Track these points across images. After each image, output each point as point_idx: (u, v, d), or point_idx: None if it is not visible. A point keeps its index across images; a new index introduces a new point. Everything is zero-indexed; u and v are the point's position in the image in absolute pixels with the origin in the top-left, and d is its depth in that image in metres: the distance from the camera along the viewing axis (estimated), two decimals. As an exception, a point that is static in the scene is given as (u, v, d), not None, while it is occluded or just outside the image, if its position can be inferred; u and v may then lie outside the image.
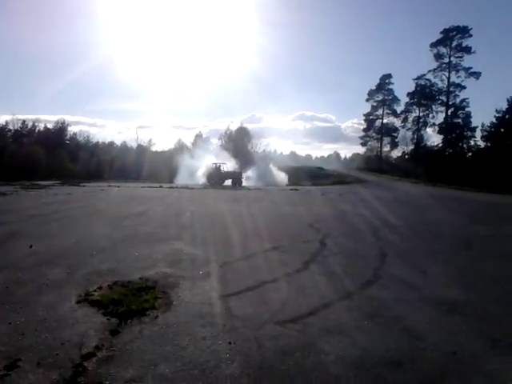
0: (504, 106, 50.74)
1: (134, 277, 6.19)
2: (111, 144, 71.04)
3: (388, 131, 74.41)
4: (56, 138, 59.51)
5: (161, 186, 28.40)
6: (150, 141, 69.68)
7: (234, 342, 4.07)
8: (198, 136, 74.36)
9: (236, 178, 37.58)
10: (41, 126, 63.23)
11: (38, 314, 4.61)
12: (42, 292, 5.41)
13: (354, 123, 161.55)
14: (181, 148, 66.30)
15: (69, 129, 64.79)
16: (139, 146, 66.47)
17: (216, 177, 36.66)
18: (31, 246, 7.97)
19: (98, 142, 67.88)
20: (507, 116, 50.27)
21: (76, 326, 4.34)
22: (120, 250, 8.10)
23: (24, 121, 61.23)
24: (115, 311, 4.73)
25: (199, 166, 42.95)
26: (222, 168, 38.35)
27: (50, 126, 63.69)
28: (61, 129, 62.89)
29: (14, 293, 5.36)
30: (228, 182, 36.95)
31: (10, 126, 59.29)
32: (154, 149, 69.56)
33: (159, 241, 9.04)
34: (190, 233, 10.14)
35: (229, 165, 40.72)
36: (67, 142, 62.95)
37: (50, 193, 20.61)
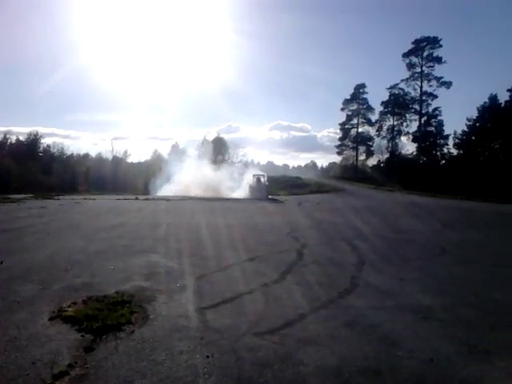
0: (474, 114, 52.50)
1: (110, 291, 6.07)
2: (86, 156, 69.67)
3: (363, 140, 75.89)
4: (28, 150, 58.12)
5: (137, 198, 28.06)
6: (126, 152, 68.81)
7: (212, 355, 4.01)
8: (175, 147, 74.12)
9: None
10: (13, 138, 61.81)
11: (8, 333, 4.45)
12: (12, 310, 5.23)
13: (330, 132, 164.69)
14: (157, 159, 65.83)
15: (42, 141, 63.40)
16: (114, 157, 65.48)
17: (258, 189, 34.63)
18: (2, 262, 7.72)
19: (72, 154, 66.44)
20: (478, 124, 51.96)
21: (48, 344, 4.20)
22: (95, 263, 7.93)
23: (-5, 133, 59.87)
24: (90, 327, 4.61)
25: (176, 176, 42.45)
26: (262, 180, 36.25)
27: (22, 138, 62.48)
28: (33, 141, 61.49)
29: (-17, 311, 5.18)
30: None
31: (-19, 139, 57.88)
32: (129, 160, 68.83)
33: (135, 253, 8.91)
34: (166, 245, 10.02)
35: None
36: (40, 154, 61.50)
37: (22, 207, 20.08)
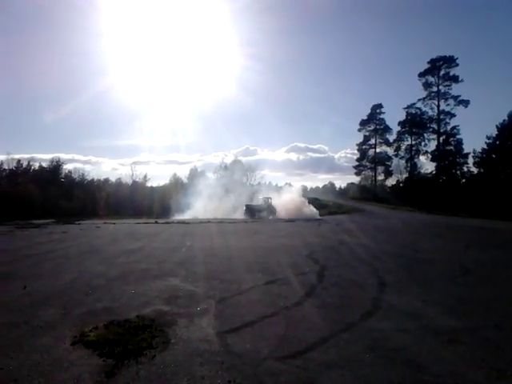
0: (494, 132, 51.78)
1: (131, 315, 6.09)
2: (106, 181, 70.79)
3: (381, 160, 75.48)
4: (51, 176, 59.41)
5: (156, 222, 28.27)
6: (145, 176, 69.74)
7: (234, 380, 3.96)
8: (193, 170, 74.83)
9: (271, 209, 38.24)
10: (35, 165, 63.34)
11: (31, 358, 4.49)
12: (35, 334, 5.29)
13: (348, 153, 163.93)
14: (176, 183, 66.56)
15: (63, 167, 64.88)
16: (134, 182, 66.44)
17: (269, 209, 37.42)
18: (25, 287, 7.84)
19: (93, 179, 67.62)
20: (497, 142, 51.16)
21: (71, 369, 4.21)
22: (116, 288, 7.98)
23: (19, 160, 61.33)
24: (111, 352, 4.62)
25: (195, 199, 42.83)
26: (270, 201, 39.13)
27: (44, 164, 63.91)
28: (55, 167, 62.84)
29: (7, 336, 5.23)
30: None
31: (5, 166, 59.21)
32: (149, 184, 69.66)
33: (155, 277, 8.93)
34: (185, 268, 10.02)
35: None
36: (62, 179, 62.78)
37: (44, 232, 20.45)
